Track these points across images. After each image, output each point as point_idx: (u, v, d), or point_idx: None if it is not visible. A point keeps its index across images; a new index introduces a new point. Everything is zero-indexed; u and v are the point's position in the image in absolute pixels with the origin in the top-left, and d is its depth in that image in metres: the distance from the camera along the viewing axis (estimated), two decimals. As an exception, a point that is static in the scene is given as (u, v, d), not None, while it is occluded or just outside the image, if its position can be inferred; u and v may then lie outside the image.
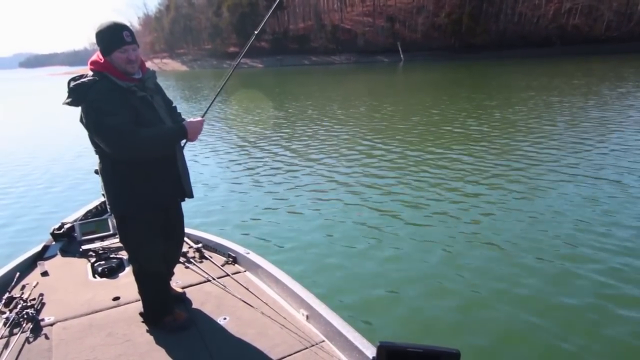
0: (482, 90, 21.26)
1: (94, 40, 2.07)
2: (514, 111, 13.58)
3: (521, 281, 3.99)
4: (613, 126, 10.61)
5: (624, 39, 59.59)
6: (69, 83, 2.05)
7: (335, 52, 69.43)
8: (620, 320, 3.39)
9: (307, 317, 2.39)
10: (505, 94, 18.85)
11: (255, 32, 2.69)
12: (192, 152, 9.41)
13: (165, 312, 2.38)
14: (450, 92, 20.94)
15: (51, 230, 3.41)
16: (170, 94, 2.41)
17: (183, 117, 2.47)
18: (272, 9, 2.95)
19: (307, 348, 2.17)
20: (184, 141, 2.31)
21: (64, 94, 2.06)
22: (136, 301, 2.55)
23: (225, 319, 2.44)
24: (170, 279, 2.64)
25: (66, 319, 2.45)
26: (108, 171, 2.16)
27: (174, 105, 2.47)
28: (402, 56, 63.97)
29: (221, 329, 2.36)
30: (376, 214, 5.77)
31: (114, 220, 3.36)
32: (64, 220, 3.54)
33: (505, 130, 10.79)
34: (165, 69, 78.13)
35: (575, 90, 18.41)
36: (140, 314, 2.44)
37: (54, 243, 3.37)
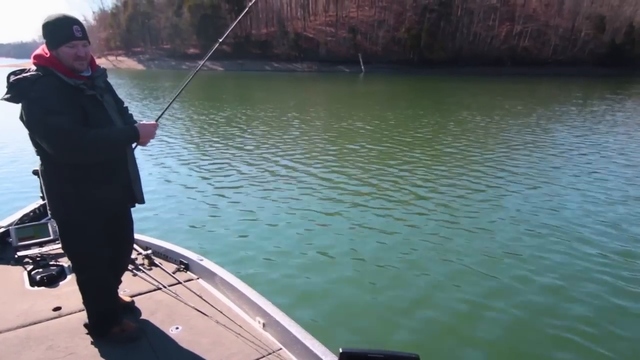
0: (421, 105, 22.31)
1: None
2: (432, 126, 14.46)
3: (476, 287, 4.16)
4: (523, 145, 11.33)
5: (568, 62, 63.98)
6: (8, 77, 1.89)
7: (297, 60, 69.64)
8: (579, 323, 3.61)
9: (264, 324, 2.34)
10: (442, 110, 19.71)
11: (220, 40, 2.65)
12: (143, 155, 9.08)
13: (112, 323, 2.25)
14: (397, 105, 21.82)
15: None
16: (121, 92, 2.32)
17: (134, 118, 2.37)
18: (243, 13, 2.93)
19: (264, 356, 2.12)
20: (134, 144, 2.21)
21: (3, 88, 1.92)
22: (79, 311, 2.39)
23: (177, 328, 2.34)
24: (118, 288, 2.50)
25: (0, 332, 2.26)
26: (50, 173, 2.02)
27: (125, 105, 2.36)
28: (362, 67, 65.16)
29: (173, 340, 2.26)
30: (332, 220, 5.81)
31: (55, 225, 3.18)
32: None
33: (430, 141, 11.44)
34: (121, 67, 75.31)
35: (506, 112, 19.18)
36: (85, 325, 2.29)
37: None
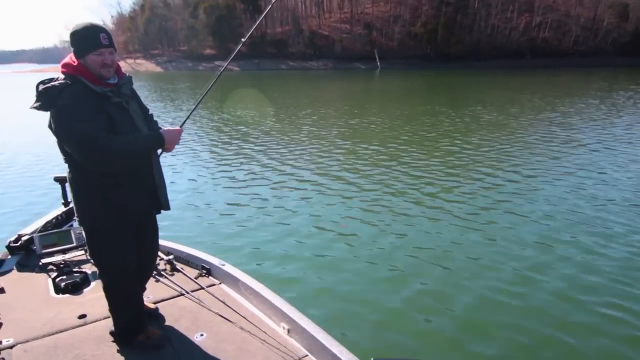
0: (434, 101, 22.01)
1: (65, 38, 1.96)
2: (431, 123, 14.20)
3: (511, 292, 3.98)
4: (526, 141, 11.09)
5: (590, 53, 62.37)
6: (37, 86, 1.92)
7: (313, 58, 69.63)
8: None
9: (289, 330, 2.31)
10: (457, 107, 19.20)
11: (243, 40, 2.63)
12: (167, 161, 9.11)
13: (138, 330, 2.25)
14: (413, 102, 21.69)
15: (7, 243, 3.16)
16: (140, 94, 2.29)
17: (159, 125, 2.36)
18: (263, 15, 2.90)
19: None
20: (159, 151, 2.21)
21: (25, 93, 1.92)
22: (104, 319, 2.40)
23: (202, 335, 2.33)
24: (143, 294, 2.50)
25: (27, 341, 2.27)
26: (78, 180, 2.03)
27: (150, 112, 2.35)
28: (378, 63, 64.78)
29: (198, 346, 2.24)
30: (357, 223, 5.71)
31: (78, 232, 3.22)
32: (21, 232, 3.29)
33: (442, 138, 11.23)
34: (139, 70, 76.56)
35: (526, 106, 18.65)
36: (111, 332, 2.29)
37: (9, 257, 3.13)
